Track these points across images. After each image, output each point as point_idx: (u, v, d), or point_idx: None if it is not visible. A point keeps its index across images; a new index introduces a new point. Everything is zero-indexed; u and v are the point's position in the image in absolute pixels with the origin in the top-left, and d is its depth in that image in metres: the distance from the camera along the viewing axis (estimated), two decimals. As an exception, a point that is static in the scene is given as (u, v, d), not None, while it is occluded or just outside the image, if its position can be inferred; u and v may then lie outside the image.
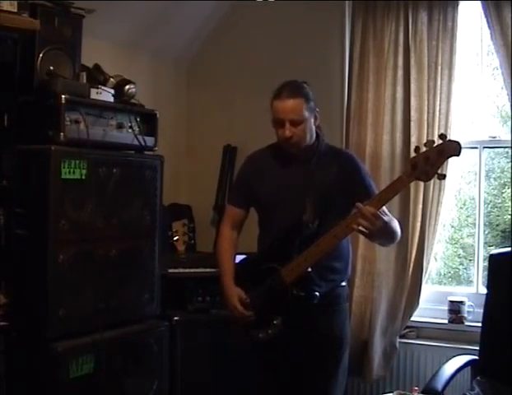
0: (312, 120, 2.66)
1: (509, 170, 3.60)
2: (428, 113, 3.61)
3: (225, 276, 2.76)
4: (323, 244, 2.51)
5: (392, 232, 2.55)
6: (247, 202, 2.83)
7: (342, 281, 2.75)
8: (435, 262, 3.87)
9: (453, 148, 2.30)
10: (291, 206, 2.63)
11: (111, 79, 3.13)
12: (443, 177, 2.39)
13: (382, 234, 2.47)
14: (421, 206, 3.60)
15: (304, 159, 2.69)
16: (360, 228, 2.38)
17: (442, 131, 3.57)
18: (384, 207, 2.59)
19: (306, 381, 2.65)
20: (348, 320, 2.82)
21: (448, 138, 2.33)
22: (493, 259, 3.22)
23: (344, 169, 2.66)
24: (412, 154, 3.52)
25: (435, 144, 2.33)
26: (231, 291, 2.72)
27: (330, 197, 2.60)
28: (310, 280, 2.57)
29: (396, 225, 2.58)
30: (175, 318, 3.46)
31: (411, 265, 3.64)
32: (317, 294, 2.57)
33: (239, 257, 2.86)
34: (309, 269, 2.55)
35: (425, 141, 3.49)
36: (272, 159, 2.76)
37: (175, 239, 3.60)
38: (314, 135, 2.71)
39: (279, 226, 2.67)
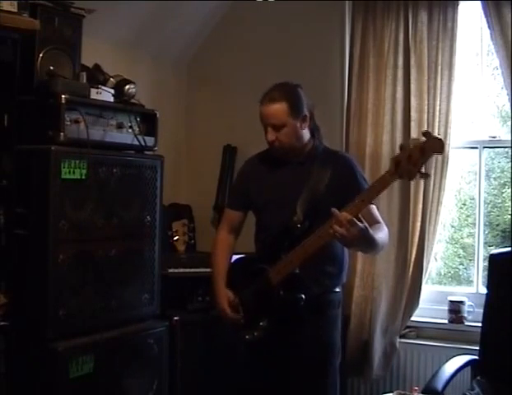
0: (298, 124, 2.62)
1: (509, 170, 3.60)
2: (428, 113, 3.61)
3: (216, 278, 2.77)
4: (308, 246, 2.46)
5: (371, 241, 2.40)
6: (243, 204, 2.83)
7: (336, 287, 2.70)
8: (435, 262, 3.87)
9: (436, 145, 2.25)
10: (282, 207, 2.61)
11: (111, 79, 3.12)
12: (426, 176, 2.34)
13: (359, 241, 2.36)
14: (421, 206, 3.60)
15: (297, 161, 2.68)
16: (336, 234, 2.30)
17: (442, 131, 3.59)
18: (375, 213, 2.57)
19: (294, 385, 2.63)
20: (339, 326, 2.73)
21: (432, 135, 2.28)
22: (493, 259, 3.22)
23: (339, 171, 2.63)
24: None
25: (419, 142, 2.27)
26: (221, 293, 2.72)
27: (323, 200, 2.54)
28: (298, 282, 2.53)
29: (380, 234, 2.48)
30: (175, 318, 3.46)
31: (411, 265, 3.64)
32: (302, 296, 2.52)
33: (235, 257, 2.86)
34: (297, 271, 2.52)
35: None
36: (267, 162, 2.76)
37: (175, 239, 3.60)
38: (305, 138, 2.68)
39: (270, 227, 2.67)
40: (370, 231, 2.36)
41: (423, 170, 2.27)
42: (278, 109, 2.59)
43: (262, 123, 2.65)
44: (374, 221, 2.55)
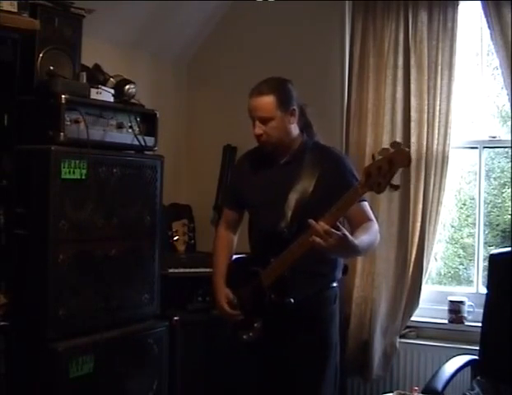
0: (286, 118, 2.60)
1: (509, 170, 3.60)
2: (428, 113, 3.61)
3: (216, 276, 2.79)
4: (293, 251, 2.45)
5: (351, 247, 2.34)
6: (236, 204, 2.84)
7: (331, 283, 2.68)
8: (435, 262, 3.87)
9: (404, 158, 2.18)
10: (272, 209, 2.60)
11: (111, 79, 3.12)
12: (396, 188, 2.24)
13: (339, 249, 2.32)
14: (421, 206, 3.60)
15: (286, 159, 2.66)
16: (315, 244, 2.28)
17: (442, 131, 3.59)
18: (371, 212, 2.55)
19: (293, 383, 2.63)
20: (337, 323, 2.71)
21: (400, 146, 2.20)
22: (493, 259, 3.22)
23: (328, 170, 2.59)
24: (412, 154, 3.61)
25: (388, 153, 2.19)
26: (220, 291, 2.74)
27: (311, 202, 2.54)
28: (287, 285, 2.53)
29: (364, 237, 2.44)
30: (175, 318, 3.46)
31: (411, 265, 3.64)
32: (291, 300, 2.52)
33: (234, 257, 2.86)
34: (285, 274, 2.51)
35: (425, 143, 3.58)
36: (258, 160, 2.75)
37: (175, 239, 3.60)
38: (294, 133, 2.65)
39: (261, 228, 2.69)
40: (350, 238, 2.32)
41: (393, 182, 2.20)
42: (266, 101, 2.58)
43: (250, 116, 2.63)
44: (364, 219, 2.54)
